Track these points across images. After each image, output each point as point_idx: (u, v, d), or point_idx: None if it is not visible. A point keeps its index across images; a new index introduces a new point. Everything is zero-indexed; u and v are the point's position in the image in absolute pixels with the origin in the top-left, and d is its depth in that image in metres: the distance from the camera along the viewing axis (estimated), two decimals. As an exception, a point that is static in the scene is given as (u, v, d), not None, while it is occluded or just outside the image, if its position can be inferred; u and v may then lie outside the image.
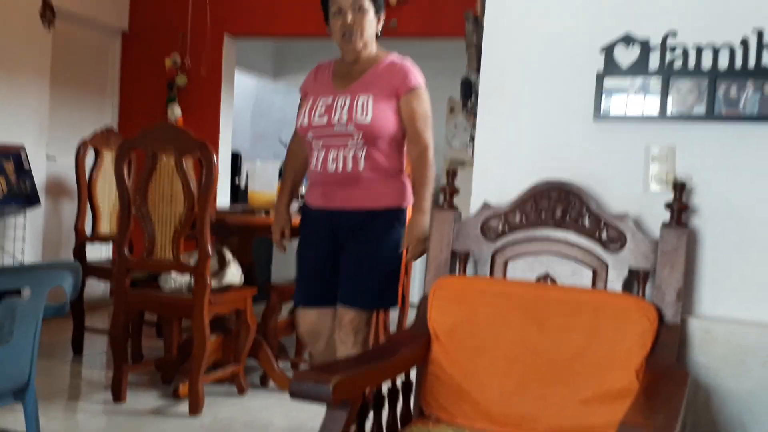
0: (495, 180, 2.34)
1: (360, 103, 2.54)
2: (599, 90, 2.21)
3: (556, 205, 2.17)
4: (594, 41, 2.22)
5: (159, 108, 5.93)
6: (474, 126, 2.53)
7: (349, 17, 2.59)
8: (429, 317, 2.16)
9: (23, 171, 4.70)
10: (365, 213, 2.62)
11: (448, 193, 2.33)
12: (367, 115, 2.52)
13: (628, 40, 2.19)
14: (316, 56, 6.52)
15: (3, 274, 2.51)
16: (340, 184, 2.60)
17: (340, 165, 2.58)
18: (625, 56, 2.20)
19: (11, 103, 5.01)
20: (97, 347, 4.51)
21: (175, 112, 5.79)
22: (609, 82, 2.20)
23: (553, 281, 2.16)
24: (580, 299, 2.04)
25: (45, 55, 5.28)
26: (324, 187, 2.65)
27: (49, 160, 5.32)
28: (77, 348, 4.36)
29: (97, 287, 5.26)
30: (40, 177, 5.05)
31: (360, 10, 2.60)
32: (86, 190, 4.45)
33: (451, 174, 2.36)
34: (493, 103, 2.37)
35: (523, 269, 2.20)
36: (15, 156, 4.69)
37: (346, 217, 2.63)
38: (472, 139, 2.60)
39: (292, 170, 2.89)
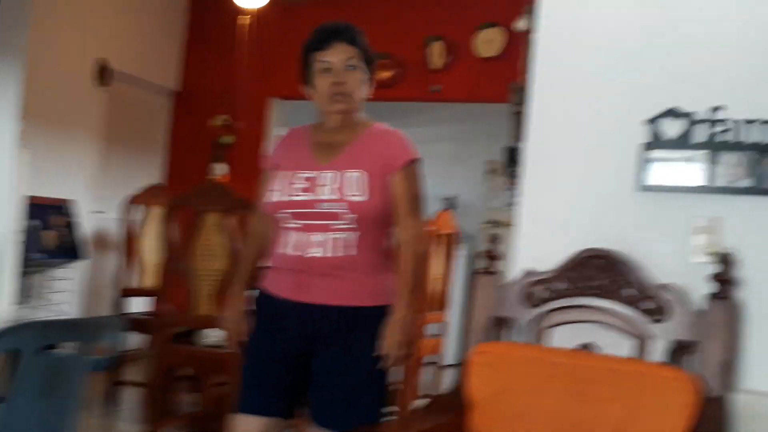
0: (537, 246, 2.35)
1: (353, 179, 2.13)
2: (644, 161, 2.23)
3: (600, 273, 2.17)
4: (639, 113, 2.25)
5: (205, 166, 6.08)
6: (515, 191, 2.55)
7: (341, 76, 2.17)
8: (468, 383, 2.15)
9: (72, 225, 4.83)
10: (351, 312, 2.13)
11: (491, 258, 2.34)
12: (363, 193, 2.11)
13: (673, 113, 2.21)
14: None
15: (51, 328, 2.56)
16: (322, 273, 2.13)
17: (328, 250, 2.11)
18: (671, 128, 2.22)
19: (65, 158, 5.18)
20: (131, 400, 4.54)
21: (221, 170, 5.93)
22: (654, 153, 2.22)
23: (596, 350, 2.15)
24: (622, 369, 2.03)
25: (99, 112, 5.48)
26: (298, 277, 2.15)
27: (97, 215, 5.46)
28: (112, 400, 4.39)
29: (132, 339, 5.31)
30: (87, 231, 5.18)
31: (352, 69, 2.19)
32: (131, 245, 4.55)
33: (494, 239, 2.38)
34: (537, 171, 2.39)
35: (565, 337, 2.19)
36: (65, 210, 4.83)
37: (326, 316, 2.13)
38: (512, 203, 2.63)
39: (252, 254, 2.36)
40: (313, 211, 2.12)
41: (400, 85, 5.76)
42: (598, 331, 2.16)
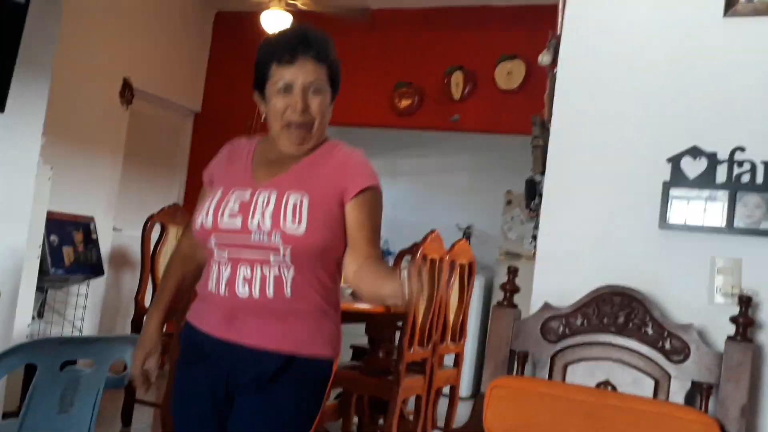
0: (556, 281, 2.35)
1: (290, 205, 1.75)
2: (665, 199, 2.23)
3: (619, 311, 2.16)
4: (661, 151, 2.26)
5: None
6: (536, 225, 2.56)
7: (302, 100, 1.80)
8: (485, 417, 2.14)
9: (91, 241, 4.87)
10: (281, 358, 1.76)
11: (509, 291, 2.34)
12: (299, 222, 1.73)
13: (695, 152, 2.22)
14: (375, 142, 6.72)
15: (68, 345, 2.58)
16: (252, 311, 1.78)
17: (256, 289, 1.75)
18: (693, 167, 2.23)
19: (86, 176, 5.24)
20: (144, 419, 4.53)
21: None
22: (675, 192, 2.23)
23: (614, 389, 2.14)
24: (640, 409, 2.01)
25: (121, 131, 5.55)
26: (225, 310, 1.79)
27: (115, 232, 5.50)
28: (126, 419, 4.39)
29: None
30: (105, 248, 5.22)
31: (317, 92, 1.82)
32: (149, 263, 4.57)
33: (513, 272, 2.38)
34: (558, 205, 2.40)
35: (583, 374, 2.18)
36: (84, 226, 4.87)
37: (252, 359, 1.77)
38: (534, 237, 2.63)
39: (177, 279, 1.99)
40: (244, 240, 1.76)
41: (420, 114, 5.81)
42: (618, 370, 2.15)
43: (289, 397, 1.78)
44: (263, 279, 1.75)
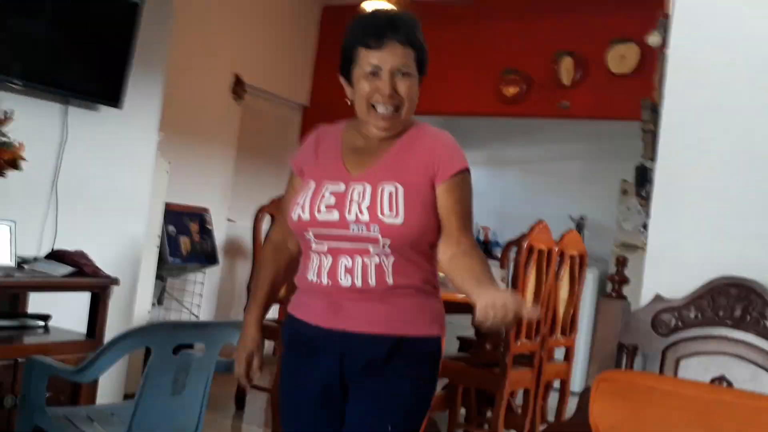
0: (669, 272, 2.24)
1: (386, 197, 1.76)
2: (788, 184, 2.09)
3: (736, 303, 2.04)
4: (784, 133, 2.12)
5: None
6: (648, 213, 2.45)
7: (391, 84, 1.79)
8: (591, 412, 2.07)
9: (206, 231, 5.06)
10: (390, 341, 1.78)
11: (618, 282, 2.26)
12: (397, 214, 1.74)
13: (822, 133, 2.07)
14: (482, 131, 6.63)
15: (181, 329, 2.69)
16: (356, 298, 1.80)
17: (358, 278, 1.77)
18: (819, 150, 2.07)
19: (201, 169, 5.45)
20: (258, 404, 4.68)
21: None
22: (800, 177, 2.08)
23: (730, 384, 2.03)
24: (759, 407, 1.89)
25: (234, 126, 5.73)
26: (330, 299, 1.81)
27: (229, 223, 5.69)
28: (240, 403, 4.55)
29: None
30: (220, 238, 5.43)
31: (405, 76, 1.80)
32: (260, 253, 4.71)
33: (622, 262, 2.30)
34: (669, 192, 2.29)
35: (696, 369, 2.08)
36: (200, 217, 5.07)
37: (363, 345, 1.79)
38: (645, 226, 2.52)
39: (272, 272, 1.99)
40: (343, 232, 1.77)
41: (527, 101, 5.69)
42: (734, 365, 2.04)
43: (404, 378, 1.79)
44: (365, 268, 1.76)
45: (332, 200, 1.79)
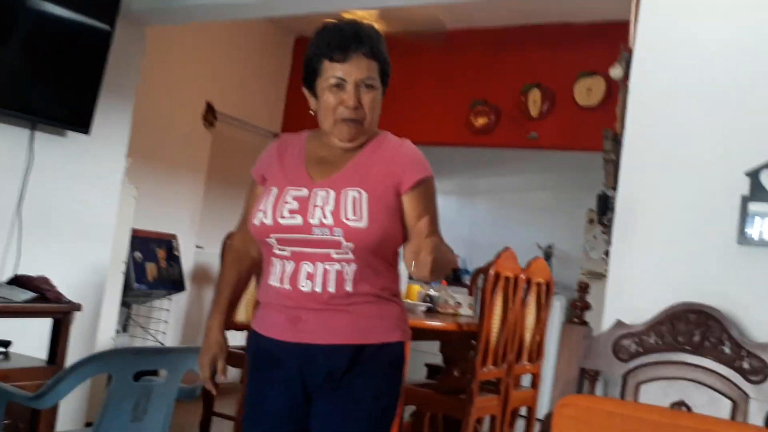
0: (629, 298, 2.28)
1: (350, 201, 1.77)
2: (744, 214, 2.14)
3: (695, 329, 2.08)
4: (739, 164, 2.18)
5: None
6: (609, 240, 2.49)
7: (354, 97, 1.80)
8: (552, 436, 2.08)
9: (173, 258, 5.03)
10: (351, 350, 1.78)
11: (580, 308, 2.28)
12: (361, 218, 1.75)
13: (776, 163, 2.13)
14: (452, 161, 6.68)
15: (142, 355, 2.66)
16: (316, 309, 1.79)
17: (318, 285, 1.76)
18: (773, 180, 2.13)
19: (170, 195, 5.42)
20: (223, 431, 4.62)
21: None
22: (754, 207, 2.13)
23: (689, 409, 2.05)
24: (717, 431, 1.91)
25: (204, 153, 5.72)
26: (289, 313, 1.81)
27: (198, 250, 5.66)
28: (204, 431, 4.48)
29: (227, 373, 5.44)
30: (188, 265, 5.38)
31: (369, 88, 1.82)
32: (228, 280, 4.68)
33: (584, 288, 2.33)
34: (630, 221, 2.33)
35: (656, 394, 2.10)
36: (167, 243, 5.03)
37: (323, 357, 1.79)
38: (607, 253, 2.56)
39: (233, 278, 2.00)
40: (304, 237, 1.77)
41: (496, 132, 5.75)
42: (693, 390, 2.06)
43: (367, 386, 1.79)
44: (326, 274, 1.77)
45: (295, 205, 1.79)
